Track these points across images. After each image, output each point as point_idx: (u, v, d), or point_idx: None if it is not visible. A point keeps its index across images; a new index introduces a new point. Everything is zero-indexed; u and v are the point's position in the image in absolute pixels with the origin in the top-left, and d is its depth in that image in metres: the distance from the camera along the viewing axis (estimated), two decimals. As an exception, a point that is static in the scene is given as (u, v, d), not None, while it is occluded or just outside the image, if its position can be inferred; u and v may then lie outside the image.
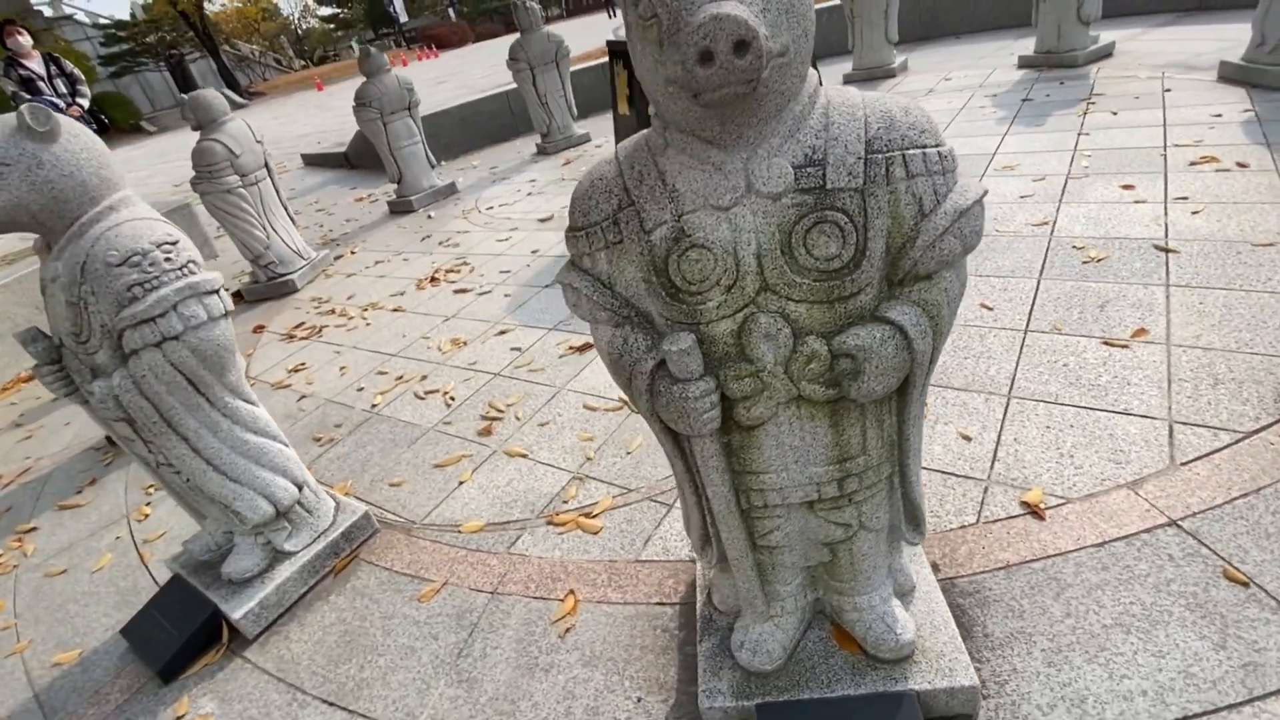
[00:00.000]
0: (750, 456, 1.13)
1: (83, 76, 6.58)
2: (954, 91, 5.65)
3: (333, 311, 4.34)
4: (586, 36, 15.26)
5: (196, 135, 4.52)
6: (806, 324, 1.01)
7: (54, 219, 1.61)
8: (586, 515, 2.08)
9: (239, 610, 1.92)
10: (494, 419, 2.69)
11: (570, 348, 3.06)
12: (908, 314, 1.00)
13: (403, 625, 1.87)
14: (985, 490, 1.82)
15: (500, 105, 8.62)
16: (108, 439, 3.35)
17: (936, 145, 0.98)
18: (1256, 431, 1.79)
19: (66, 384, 1.80)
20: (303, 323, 4.27)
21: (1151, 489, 1.70)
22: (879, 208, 0.96)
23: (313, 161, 10.12)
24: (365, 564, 2.13)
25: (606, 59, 9.40)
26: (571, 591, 1.83)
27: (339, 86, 28.06)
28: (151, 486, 2.88)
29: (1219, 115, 3.77)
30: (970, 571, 1.62)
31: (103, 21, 34.38)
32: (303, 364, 3.68)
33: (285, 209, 4.99)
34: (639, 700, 1.52)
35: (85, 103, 6.26)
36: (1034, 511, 1.72)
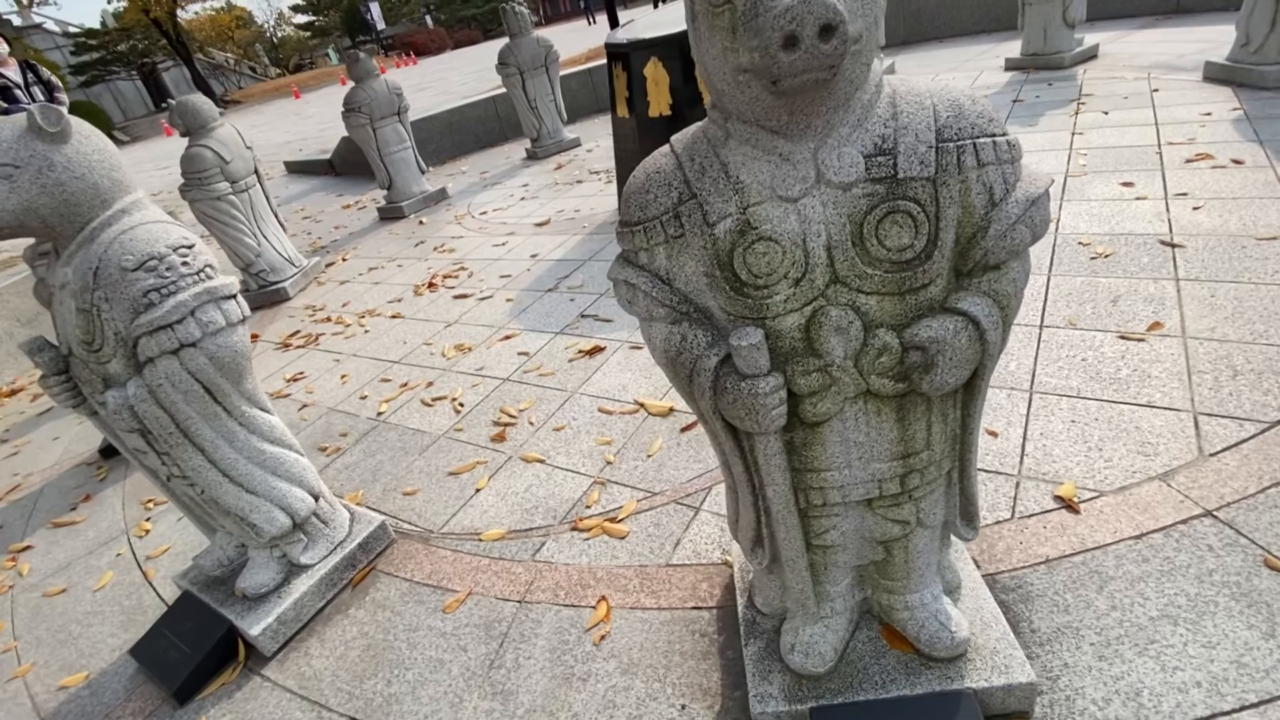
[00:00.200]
0: (813, 454, 1.11)
1: (60, 84, 6.42)
2: (944, 93, 5.69)
3: (328, 319, 4.26)
4: (567, 42, 15.26)
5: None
6: (877, 317, 0.99)
7: (64, 223, 1.55)
8: (612, 520, 2.05)
9: (256, 626, 1.86)
10: (507, 424, 2.65)
11: (580, 351, 3.02)
12: (979, 305, 0.98)
13: (429, 637, 1.82)
14: (1017, 485, 1.81)
15: (487, 110, 8.57)
16: (101, 452, 3.25)
17: (1004, 134, 0.97)
18: (1280, 421, 1.81)
19: (74, 395, 1.73)
20: (298, 331, 4.18)
21: (1183, 480, 1.71)
22: (950, 197, 0.95)
23: (296, 169, 9.98)
24: (384, 575, 2.07)
25: (587, 65, 9.44)
26: (603, 598, 1.79)
27: (316, 94, 27.79)
28: (151, 501, 2.79)
29: (1208, 114, 3.84)
30: (1010, 567, 1.61)
31: (73, 30, 33.73)
32: (301, 373, 3.60)
33: (275, 216, 4.90)
34: (683, 708, 1.49)
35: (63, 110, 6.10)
36: (1068, 505, 1.72)
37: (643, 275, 1.07)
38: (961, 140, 0.94)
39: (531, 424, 2.62)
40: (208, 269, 1.64)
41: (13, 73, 5.96)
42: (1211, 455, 1.76)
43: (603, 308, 3.38)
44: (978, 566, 1.61)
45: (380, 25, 44.09)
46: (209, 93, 31.67)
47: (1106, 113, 4.25)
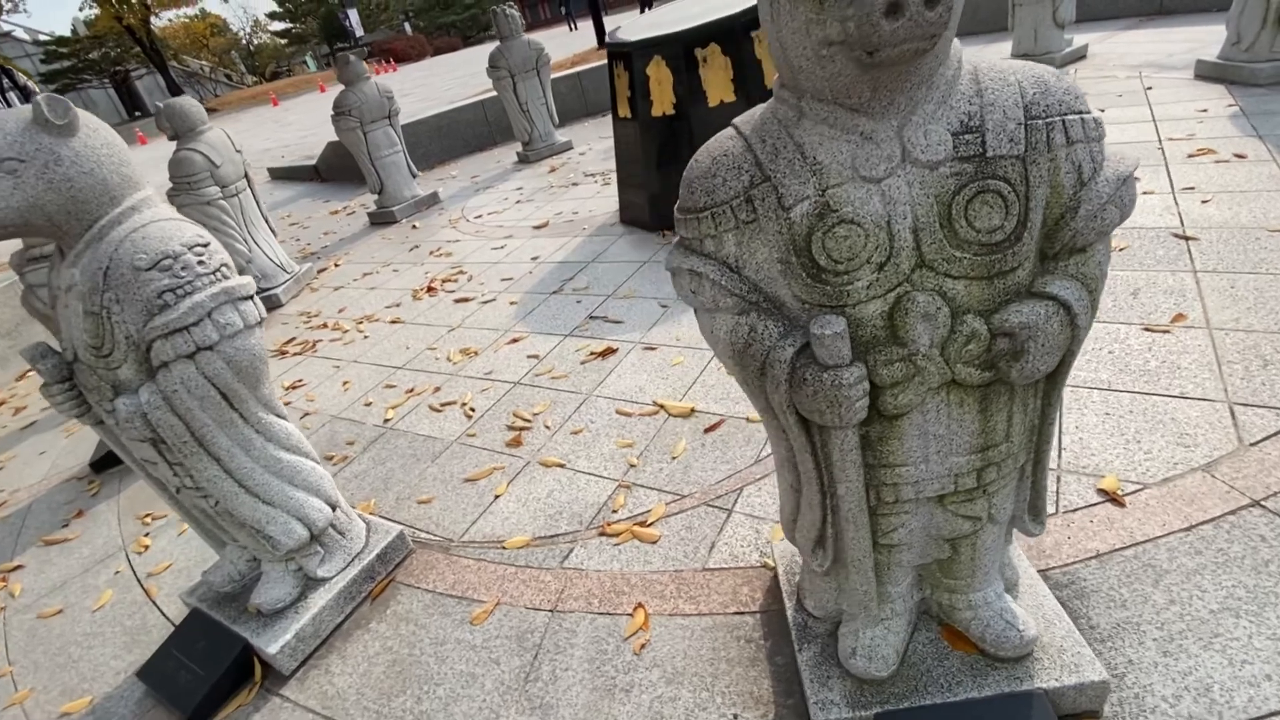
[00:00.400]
0: (889, 448, 1.06)
1: (37, 90, 6.26)
2: (937, 94, 5.73)
3: (324, 326, 4.15)
4: (551, 48, 15.19)
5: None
6: (964, 302, 0.95)
7: (71, 221, 1.47)
8: (641, 524, 1.98)
9: (274, 644, 1.77)
10: (521, 429, 2.57)
11: (592, 353, 2.96)
12: (1069, 288, 0.94)
13: (457, 650, 1.74)
14: (1059, 480, 1.78)
15: (476, 114, 8.49)
16: (92, 466, 3.12)
17: (1089, 111, 0.93)
18: (1317, 409, 1.80)
19: (79, 403, 1.64)
20: (294, 338, 4.07)
21: (1227, 471, 1.69)
22: (1040, 176, 0.91)
23: (280, 175, 9.81)
24: (404, 587, 1.99)
25: (575, 69, 9.40)
26: (640, 605, 1.73)
27: (295, 102, 27.45)
28: (149, 515, 2.67)
29: (1205, 110, 3.88)
30: (1060, 563, 1.58)
31: (43, 38, 33.04)
32: (300, 380, 3.49)
33: (266, 221, 4.79)
34: (735, 717, 1.43)
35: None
36: (1113, 499, 1.69)
37: (709, 263, 1.02)
38: (1050, 117, 0.91)
39: (548, 427, 2.55)
40: (224, 268, 1.56)
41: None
42: (1252, 445, 1.74)
43: (611, 309, 3.32)
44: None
45: (359, 32, 43.75)
46: (184, 100, 31.13)
47: (1103, 110, 4.28)
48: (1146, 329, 2.25)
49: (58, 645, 2.15)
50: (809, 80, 0.92)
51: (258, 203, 4.69)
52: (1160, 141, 3.61)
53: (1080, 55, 5.62)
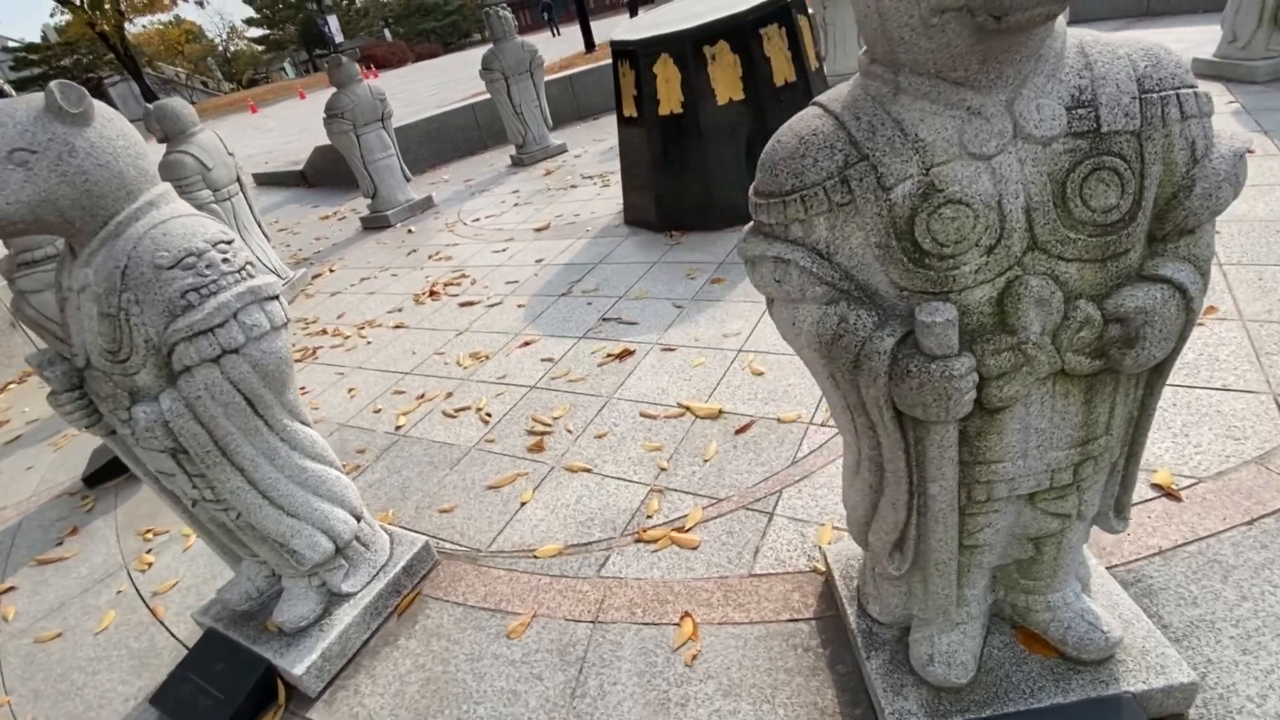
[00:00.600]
0: (987, 444, 1.01)
1: (14, 94, 6.06)
2: (933, 94, 5.75)
3: (324, 332, 4.04)
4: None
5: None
6: (1077, 286, 0.90)
7: (86, 217, 1.37)
8: (679, 530, 1.92)
9: (300, 664, 1.67)
10: (542, 433, 2.50)
11: (609, 355, 2.89)
12: (1183, 271, 0.90)
13: (495, 666, 1.66)
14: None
15: (467, 118, 8.40)
16: (86, 480, 2.98)
17: (1199, 85, 0.89)
18: (1364, 399, 1.78)
19: (89, 413, 1.54)
20: (293, 345, 3.94)
21: (1281, 463, 1.66)
22: (1155, 153, 0.86)
23: (265, 181, 9.63)
24: (432, 600, 1.90)
25: (564, 73, 9.34)
26: (687, 614, 1.66)
27: (274, 108, 27.12)
28: (150, 531, 2.55)
29: (1205, 107, 3.91)
30: (1123, 560, 1.53)
31: (12, 45, 32.33)
32: (303, 388, 3.38)
33: (259, 225, 4.66)
34: (800, 730, 1.36)
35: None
36: (1168, 493, 1.66)
37: (798, 250, 0.96)
38: (1164, 91, 0.86)
39: (569, 432, 2.47)
40: (249, 266, 1.47)
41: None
42: (1303, 436, 1.72)
43: (624, 310, 3.26)
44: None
45: (339, 38, 43.37)
46: (160, 108, 30.62)
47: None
48: (1178, 322, 2.22)
49: (59, 671, 2.03)
50: (909, 52, 0.87)
51: (250, 207, 4.56)
52: (1166, 138, 3.62)
53: (1073, 55, 5.67)
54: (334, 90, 5.63)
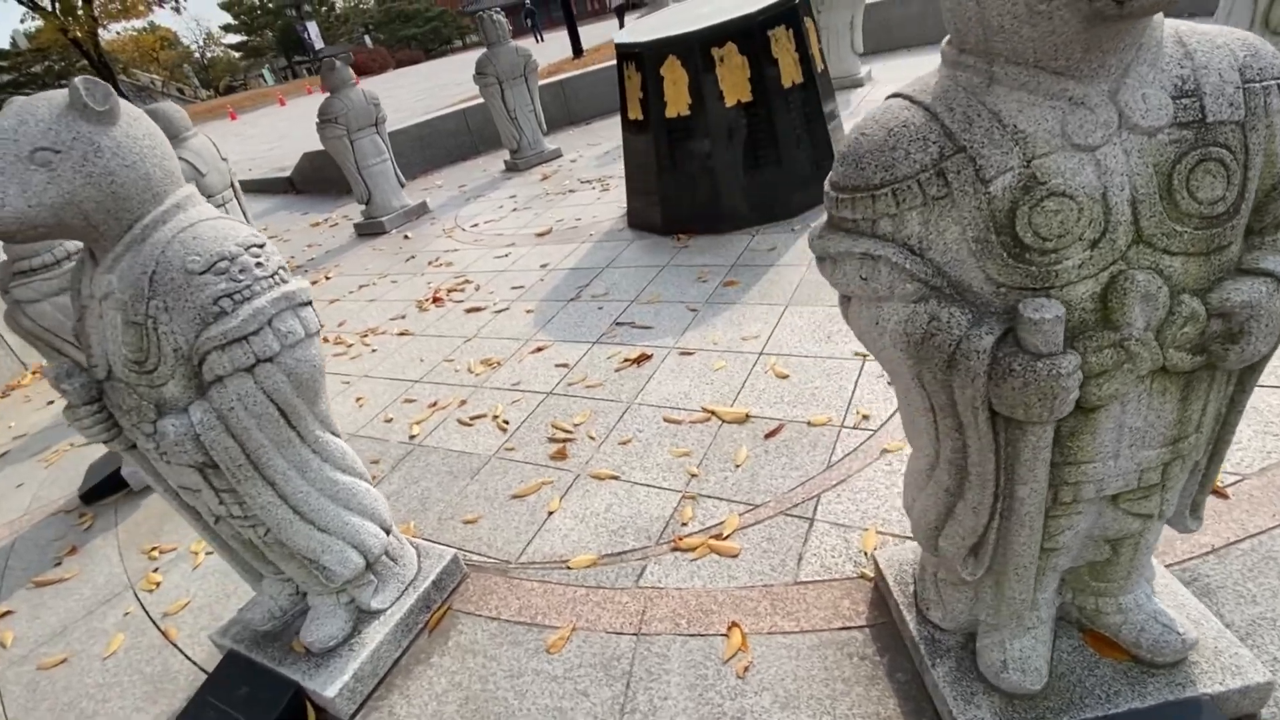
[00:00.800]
0: (1080, 444, 0.98)
1: (-8, 98, 5.90)
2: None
3: (325, 340, 3.95)
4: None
5: None
6: (1181, 281, 0.87)
7: (110, 220, 1.30)
8: (717, 537, 1.87)
9: (331, 686, 1.60)
10: (564, 440, 2.44)
11: (626, 360, 2.84)
12: (1286, 264, 0.88)
13: (537, 683, 1.60)
14: (1153, 473, 1.73)
15: (459, 124, 8.32)
16: (83, 497, 2.87)
17: (1300, 75, 0.87)
18: (1398, 394, 1.79)
19: (109, 427, 1.46)
20: (292, 354, 3.85)
21: (1325, 458, 1.66)
22: (1258, 144, 0.84)
23: (251, 188, 9.45)
24: (463, 615, 1.84)
25: (555, 78, 9.31)
26: (734, 624, 1.62)
27: (254, 115, 26.75)
28: (155, 549, 2.46)
29: (1202, 108, 3.97)
30: (1177, 559, 1.52)
31: (-20, 50, 31.63)
32: (307, 398, 3.29)
33: (254, 233, 4.55)
34: (865, 742, 1.33)
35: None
36: (1215, 491, 1.65)
37: (888, 246, 0.93)
38: (1266, 80, 0.84)
39: (592, 438, 2.42)
40: (282, 270, 1.41)
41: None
42: (1344, 432, 1.72)
43: (637, 314, 3.21)
44: (1148, 561, 1.51)
45: (318, 44, 43.01)
46: (136, 115, 30.05)
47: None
48: (1203, 319, 2.23)
49: (65, 700, 1.93)
50: (1007, 41, 0.84)
51: (244, 213, 4.45)
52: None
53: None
54: (327, 95, 5.54)
